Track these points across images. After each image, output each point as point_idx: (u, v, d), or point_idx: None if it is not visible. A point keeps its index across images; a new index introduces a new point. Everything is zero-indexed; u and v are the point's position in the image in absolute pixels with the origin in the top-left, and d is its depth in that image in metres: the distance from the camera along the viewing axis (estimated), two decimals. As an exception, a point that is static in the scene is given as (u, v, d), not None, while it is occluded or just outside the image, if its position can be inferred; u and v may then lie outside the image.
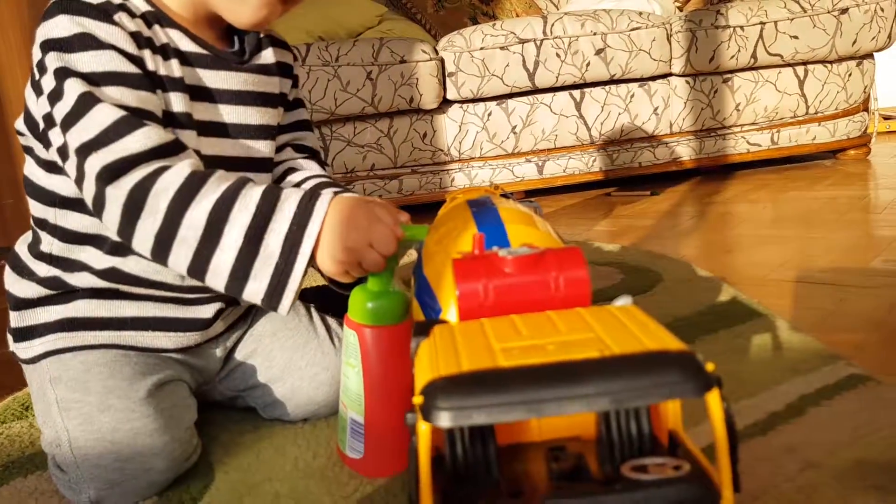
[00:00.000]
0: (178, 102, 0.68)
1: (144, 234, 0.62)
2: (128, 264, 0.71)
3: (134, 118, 0.63)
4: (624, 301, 0.46)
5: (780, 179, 2.12)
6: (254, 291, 0.62)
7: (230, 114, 0.73)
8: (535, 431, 0.46)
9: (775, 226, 1.56)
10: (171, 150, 0.64)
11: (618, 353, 0.37)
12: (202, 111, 0.70)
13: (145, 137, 0.62)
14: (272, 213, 0.61)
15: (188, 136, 0.68)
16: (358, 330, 0.65)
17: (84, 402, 0.67)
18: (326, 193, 0.63)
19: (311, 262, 0.63)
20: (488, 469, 0.41)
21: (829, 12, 2.09)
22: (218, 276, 0.62)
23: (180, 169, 0.62)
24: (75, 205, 0.70)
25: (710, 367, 0.36)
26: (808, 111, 2.21)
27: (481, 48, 1.99)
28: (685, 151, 2.20)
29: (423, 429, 0.36)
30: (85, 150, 0.61)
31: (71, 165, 0.63)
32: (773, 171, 2.27)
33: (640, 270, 1.26)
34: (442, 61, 2.00)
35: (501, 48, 1.99)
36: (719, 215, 1.72)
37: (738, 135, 2.22)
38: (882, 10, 2.11)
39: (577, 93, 2.09)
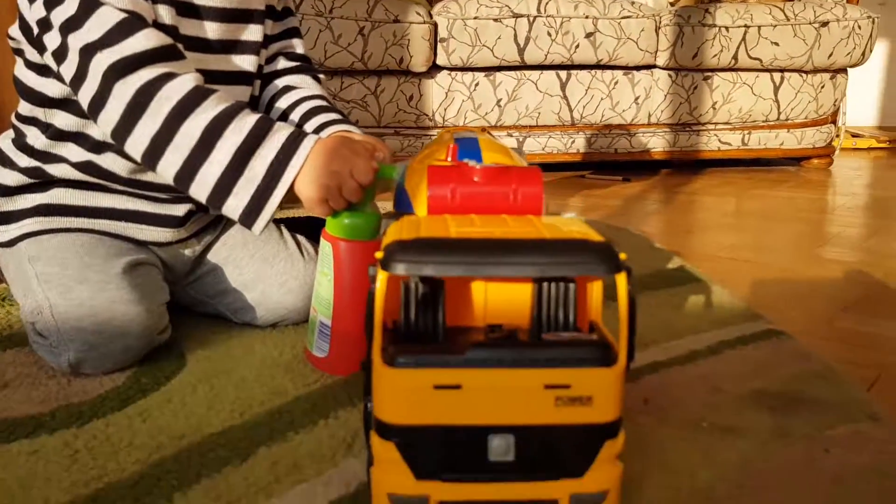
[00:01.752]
0: (165, 15, 0.72)
1: (141, 136, 0.68)
2: (105, 161, 0.77)
3: (136, 20, 0.68)
4: (570, 215, 0.54)
5: (745, 179, 2.22)
6: (233, 207, 0.69)
7: (215, 30, 0.77)
8: (480, 317, 0.53)
9: (735, 216, 1.65)
10: (172, 54, 0.70)
11: (547, 237, 0.45)
12: (188, 26, 0.75)
13: (147, 39, 0.68)
14: (262, 140, 0.68)
15: None
16: (333, 242, 0.72)
17: (63, 275, 0.74)
18: (314, 135, 0.70)
19: (291, 192, 0.69)
20: (435, 336, 0.49)
21: (810, 23, 2.19)
22: (203, 186, 0.68)
23: (185, 80, 0.68)
24: (63, 105, 0.76)
25: (622, 256, 0.44)
26: (780, 117, 2.31)
27: (475, 17, 2.05)
28: (660, 143, 2.28)
29: (381, 277, 0.43)
30: (90, 50, 0.67)
31: (69, 66, 0.68)
32: (740, 171, 2.37)
33: (600, 238, 1.34)
34: (435, 26, 2.06)
35: (495, 20, 2.06)
36: (684, 203, 1.82)
37: (711, 132, 2.31)
38: (860, 27, 2.21)
39: (563, 73, 2.16)
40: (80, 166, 0.77)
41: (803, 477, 0.55)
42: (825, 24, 2.20)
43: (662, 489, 0.54)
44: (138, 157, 0.69)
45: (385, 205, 0.76)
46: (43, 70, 0.75)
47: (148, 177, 0.79)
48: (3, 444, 0.60)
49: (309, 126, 0.82)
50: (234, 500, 0.52)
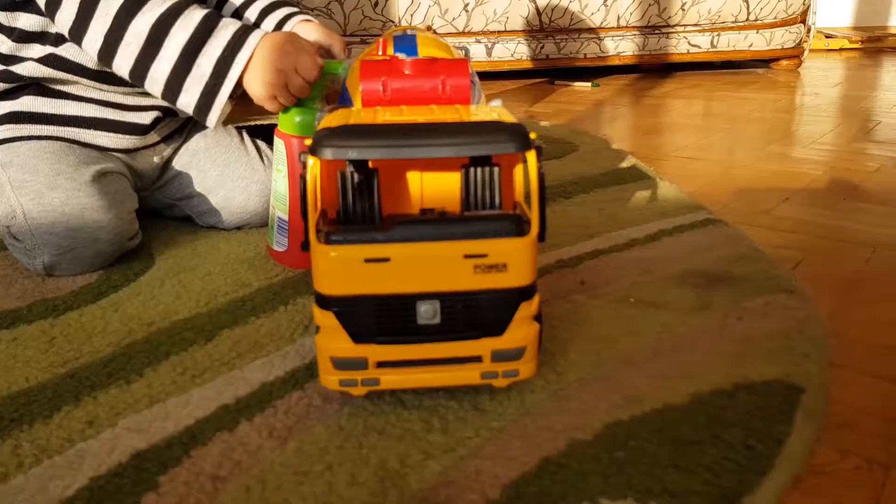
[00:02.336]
0: None
1: (95, 34, 0.71)
2: (71, 52, 0.78)
3: None
4: (496, 103, 0.58)
5: (713, 81, 2.24)
6: (186, 103, 0.73)
7: None
8: (417, 205, 0.58)
9: (698, 118, 1.68)
10: None
11: (465, 120, 0.49)
12: None
13: None
14: (208, 37, 0.71)
15: None
16: (286, 139, 0.76)
17: (34, 182, 0.77)
18: (261, 29, 0.73)
19: (240, 87, 0.72)
20: (372, 220, 0.53)
21: (779, -80, 2.16)
22: (155, 83, 0.72)
23: None
24: (24, 6, 0.77)
25: (533, 135, 0.48)
26: (749, 17, 2.31)
27: (440, -78, 2.01)
28: (629, 46, 2.28)
29: (311, 162, 0.47)
30: None
31: None
32: (709, 74, 2.38)
33: (560, 142, 1.37)
34: (400, -68, 2.02)
35: (460, -76, 2.02)
36: (650, 107, 1.84)
37: (680, 35, 2.31)
38: (829, -78, 2.18)
39: (530, -23, 2.14)
40: (47, 61, 0.79)
41: (714, 340, 0.61)
42: (795, -80, 2.17)
43: (585, 354, 0.59)
44: (94, 56, 0.72)
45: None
46: None
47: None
48: (-15, 335, 0.65)
49: (268, 22, 0.84)
50: (199, 373, 0.58)
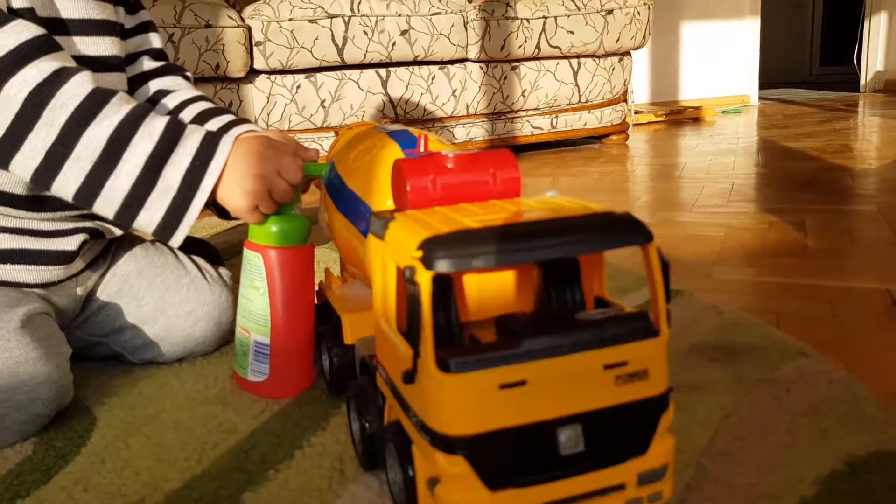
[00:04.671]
0: None
1: (33, 150, 0.58)
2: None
3: None
4: (551, 193, 0.53)
5: (558, 159, 2.35)
6: (146, 221, 0.62)
7: (69, 8, 0.68)
8: (475, 310, 0.51)
9: (570, 192, 1.74)
10: (49, 44, 0.61)
11: (578, 214, 0.44)
12: (43, 7, 0.65)
13: (16, 32, 0.58)
14: (175, 146, 0.61)
15: None
16: (263, 252, 0.66)
17: None
18: (231, 134, 0.64)
19: (212, 200, 0.63)
20: (451, 337, 0.46)
21: (598, 12, 2.36)
22: (109, 202, 0.61)
23: (80, 81, 0.59)
24: None
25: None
26: (581, 100, 2.47)
27: (290, 19, 1.98)
28: (479, 132, 2.35)
29: (426, 277, 0.39)
30: None
31: None
32: (552, 153, 2.51)
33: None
34: (249, 29, 1.96)
35: (310, 21, 2.00)
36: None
37: (523, 118, 2.42)
38: (639, 13, 2.43)
39: (383, 71, 2.15)
40: None
41: (786, 417, 0.59)
42: (610, 11, 2.39)
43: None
44: (27, 175, 0.59)
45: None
46: None
47: (48, 193, 0.67)
48: (-89, 556, 0.48)
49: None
50: (248, 557, 0.46)
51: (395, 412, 0.49)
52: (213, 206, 0.67)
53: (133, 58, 0.78)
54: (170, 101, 0.78)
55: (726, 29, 3.79)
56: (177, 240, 0.62)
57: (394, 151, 0.61)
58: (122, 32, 0.74)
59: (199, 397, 0.68)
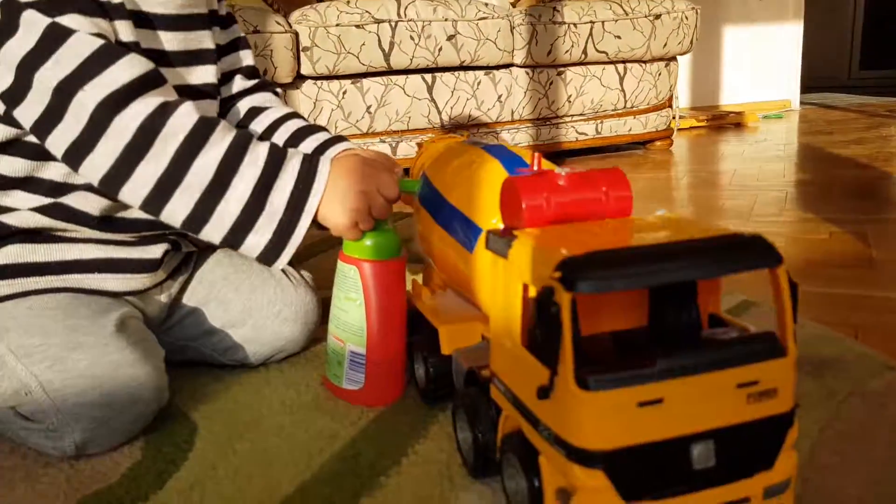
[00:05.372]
0: (124, 31, 0.64)
1: (143, 179, 0.60)
2: (74, 200, 0.67)
3: (112, 46, 0.61)
4: (661, 212, 0.54)
5: (604, 165, 2.35)
6: (253, 245, 0.63)
7: (171, 41, 0.70)
8: (591, 325, 0.51)
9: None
10: (157, 79, 0.63)
11: (711, 236, 0.44)
12: (146, 40, 0.67)
13: (131, 66, 0.60)
14: (279, 171, 0.63)
15: None
16: (358, 265, 0.67)
17: (47, 345, 0.63)
18: (327, 156, 0.67)
19: (314, 220, 0.64)
20: (575, 352, 0.47)
21: (645, 16, 2.36)
22: (218, 227, 0.62)
23: (186, 111, 0.61)
24: (5, 149, 0.66)
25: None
26: (626, 105, 2.47)
27: (337, 24, 2.00)
28: (524, 138, 2.36)
29: (566, 298, 0.40)
30: (68, 86, 0.58)
31: (33, 107, 0.60)
32: (597, 158, 2.51)
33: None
34: (296, 35, 1.98)
35: (357, 26, 2.02)
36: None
37: (568, 124, 2.42)
38: (687, 18, 2.42)
39: (428, 76, 2.16)
40: (43, 210, 0.66)
41: (884, 432, 0.60)
42: (658, 16, 2.38)
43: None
44: (136, 203, 0.61)
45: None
46: None
47: (124, 213, 0.69)
48: (49, 555, 0.50)
49: (303, 149, 0.76)
50: (375, 563, 0.47)
51: (511, 423, 0.51)
52: (313, 223, 0.69)
53: (227, 77, 0.80)
54: (264, 120, 0.80)
55: (768, 32, 3.76)
56: (282, 261, 0.64)
57: (494, 167, 0.62)
58: (217, 55, 0.76)
59: (294, 404, 0.70)
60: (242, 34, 0.83)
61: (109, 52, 0.60)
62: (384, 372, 0.69)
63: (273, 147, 0.64)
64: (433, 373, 0.66)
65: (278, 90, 0.85)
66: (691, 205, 1.64)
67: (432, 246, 0.67)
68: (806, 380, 0.69)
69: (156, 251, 0.72)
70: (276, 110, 0.81)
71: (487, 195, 0.59)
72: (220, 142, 0.61)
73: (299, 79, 2.04)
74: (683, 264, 0.42)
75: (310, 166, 0.64)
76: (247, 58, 0.83)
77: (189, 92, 0.71)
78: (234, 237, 0.62)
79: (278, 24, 1.94)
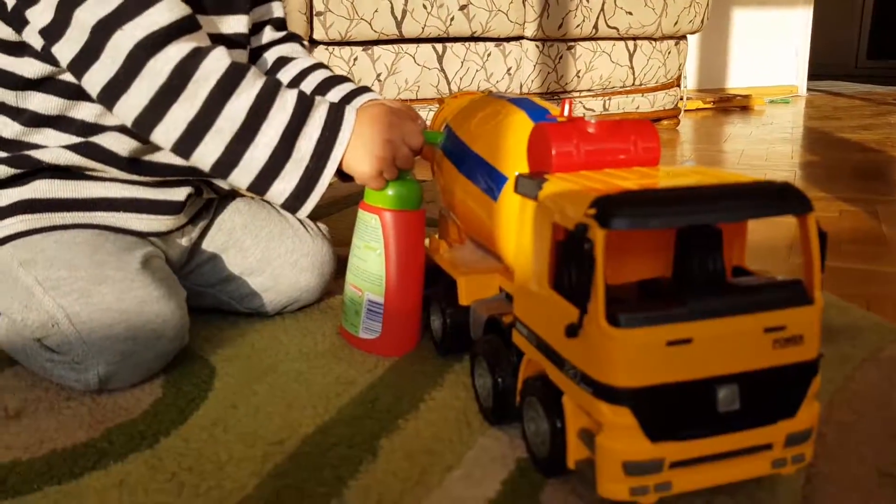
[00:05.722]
0: None
1: (176, 121, 0.60)
2: (105, 140, 0.67)
3: None
4: (689, 163, 0.54)
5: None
6: (279, 191, 0.63)
7: None
8: (617, 273, 0.52)
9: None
10: (193, 24, 0.63)
11: (743, 182, 0.45)
12: None
13: (170, 10, 0.60)
14: (306, 118, 0.63)
15: None
16: (380, 214, 0.67)
17: (74, 278, 0.63)
18: (353, 105, 0.67)
19: (339, 169, 0.64)
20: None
21: (658, -7, 2.35)
22: (246, 172, 0.62)
23: (218, 56, 0.61)
24: (40, 86, 0.66)
25: (805, 195, 0.45)
26: (635, 82, 2.46)
27: (351, -9, 1.99)
28: (532, 111, 2.35)
29: (600, 234, 0.41)
30: (106, 26, 0.58)
31: (71, 44, 0.59)
32: (604, 135, 2.50)
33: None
34: None
35: (371, -7, 2.01)
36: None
37: (577, 100, 2.41)
38: (699, -4, 2.41)
39: (439, 46, 2.15)
40: (74, 148, 0.66)
41: (895, 394, 0.60)
42: (670, -6, 2.37)
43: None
44: (168, 145, 0.61)
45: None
46: (15, 49, 0.64)
47: (151, 157, 0.69)
48: (73, 481, 0.50)
49: (330, 98, 0.76)
50: (397, 498, 0.48)
51: (533, 367, 0.51)
52: (336, 173, 0.69)
53: (257, 27, 0.79)
54: (291, 69, 0.80)
55: (778, 17, 3.74)
56: (306, 209, 0.64)
57: (520, 118, 0.62)
58: (250, 5, 0.76)
59: (310, 351, 0.70)
60: None
61: None
62: (401, 322, 0.69)
63: (301, 94, 0.64)
64: (451, 323, 0.67)
65: (304, 42, 0.85)
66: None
67: (454, 197, 0.67)
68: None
69: (179, 194, 0.73)
70: (304, 60, 0.81)
71: (513, 144, 0.59)
72: (251, 87, 0.61)
73: (311, 44, 2.03)
74: (717, 206, 0.42)
75: (336, 114, 0.64)
76: (278, 9, 0.82)
77: (221, 40, 0.71)
78: (261, 183, 0.62)
79: (291, -14, 1.93)
